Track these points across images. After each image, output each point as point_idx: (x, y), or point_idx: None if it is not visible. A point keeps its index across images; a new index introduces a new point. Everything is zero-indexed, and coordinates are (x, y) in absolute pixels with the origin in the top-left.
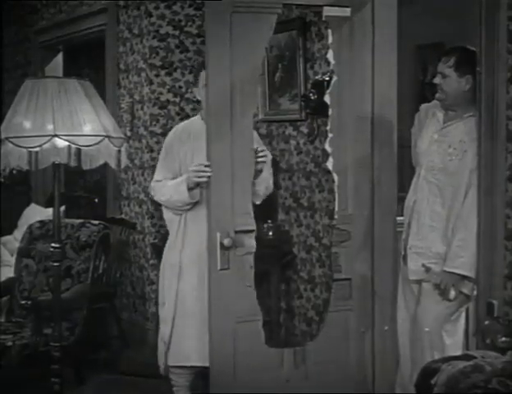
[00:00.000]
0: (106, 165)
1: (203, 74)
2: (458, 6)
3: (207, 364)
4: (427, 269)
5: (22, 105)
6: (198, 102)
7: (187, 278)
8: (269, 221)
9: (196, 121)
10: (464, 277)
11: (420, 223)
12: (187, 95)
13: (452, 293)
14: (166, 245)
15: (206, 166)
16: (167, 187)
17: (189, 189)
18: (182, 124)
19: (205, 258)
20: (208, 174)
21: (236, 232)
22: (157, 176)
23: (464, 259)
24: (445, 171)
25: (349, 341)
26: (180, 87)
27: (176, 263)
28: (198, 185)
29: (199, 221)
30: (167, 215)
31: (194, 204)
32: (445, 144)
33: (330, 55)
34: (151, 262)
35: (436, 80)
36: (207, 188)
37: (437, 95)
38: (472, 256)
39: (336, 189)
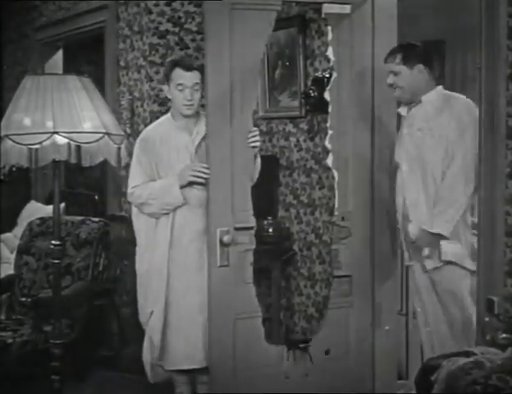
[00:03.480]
0: (106, 162)
1: (176, 72)
2: (458, 3)
3: (204, 365)
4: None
5: (22, 102)
6: (169, 100)
7: (177, 282)
8: (269, 217)
9: (166, 122)
10: (440, 237)
11: (417, 213)
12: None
13: (426, 251)
14: (141, 252)
15: (206, 168)
16: (152, 189)
17: (180, 188)
18: (152, 127)
19: (196, 258)
20: (207, 176)
21: (236, 229)
22: (133, 182)
23: (440, 222)
24: (421, 157)
25: (349, 338)
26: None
27: (163, 268)
28: (190, 183)
29: (189, 220)
30: (140, 221)
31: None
32: (414, 129)
33: (330, 52)
34: None
35: (390, 80)
36: (203, 186)
37: (395, 94)
38: (450, 221)
39: (336, 186)
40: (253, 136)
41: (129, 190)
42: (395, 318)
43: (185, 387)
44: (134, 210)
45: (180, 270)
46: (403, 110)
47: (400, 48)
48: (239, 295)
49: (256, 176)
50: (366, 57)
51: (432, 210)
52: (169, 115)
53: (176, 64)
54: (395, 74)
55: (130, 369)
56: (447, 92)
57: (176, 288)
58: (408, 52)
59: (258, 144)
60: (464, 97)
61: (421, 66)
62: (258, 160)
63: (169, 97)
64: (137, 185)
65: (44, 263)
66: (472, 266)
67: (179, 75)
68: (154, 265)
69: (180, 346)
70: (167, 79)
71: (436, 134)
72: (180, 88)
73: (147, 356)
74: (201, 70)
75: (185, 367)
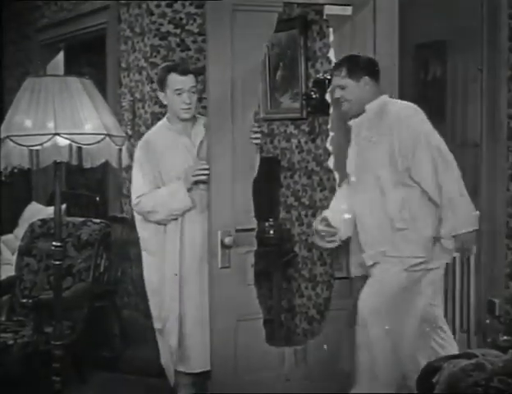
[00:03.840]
0: (107, 163)
1: (172, 77)
2: (459, 4)
3: None
4: (436, 241)
5: (23, 103)
6: (165, 106)
7: (190, 286)
8: (270, 219)
9: (164, 127)
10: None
11: (364, 218)
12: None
13: (474, 249)
14: (150, 260)
15: (203, 165)
16: (158, 196)
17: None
18: (150, 134)
19: (206, 261)
20: (207, 172)
21: (237, 231)
22: (138, 191)
23: (470, 217)
24: (367, 167)
25: (350, 340)
26: None
27: (176, 272)
28: (194, 185)
29: (198, 223)
30: (147, 229)
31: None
32: (359, 139)
33: (331, 53)
34: None
35: (337, 94)
36: (207, 187)
37: (343, 108)
38: (466, 212)
39: (337, 187)
40: (255, 132)
41: (134, 200)
42: None
43: (188, 389)
44: (138, 218)
45: (193, 273)
46: (352, 121)
47: (344, 61)
48: (240, 296)
49: (255, 171)
50: None
51: (377, 220)
52: (165, 120)
53: (170, 69)
54: (342, 88)
55: (131, 371)
56: (390, 99)
57: (190, 291)
58: (353, 65)
59: (259, 141)
60: (404, 102)
61: (367, 78)
62: (258, 156)
63: (165, 102)
64: (142, 194)
65: (45, 264)
66: None
67: (175, 80)
68: (167, 271)
69: (197, 349)
70: (162, 85)
71: (378, 142)
72: (178, 92)
73: (167, 361)
74: (195, 73)
75: (204, 369)
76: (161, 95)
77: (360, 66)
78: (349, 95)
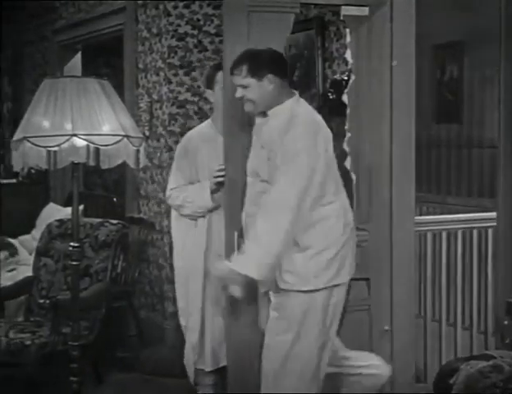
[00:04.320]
0: (124, 164)
1: (221, 75)
2: (476, 3)
3: None
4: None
5: (41, 104)
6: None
7: (212, 283)
8: None
9: (207, 127)
10: None
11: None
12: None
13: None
14: (179, 252)
15: (221, 166)
16: (188, 192)
17: (212, 192)
18: (193, 132)
19: None
20: (223, 173)
21: None
22: (171, 184)
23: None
24: (254, 173)
25: (366, 341)
26: (199, 86)
27: (200, 270)
28: (219, 186)
29: (222, 224)
30: (179, 223)
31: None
32: (258, 144)
33: (348, 54)
34: (169, 261)
35: (238, 94)
36: (224, 188)
37: (246, 108)
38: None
39: (354, 188)
40: None
41: (167, 192)
42: (412, 321)
43: (208, 389)
44: (174, 213)
45: None
46: (257, 119)
47: (244, 58)
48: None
49: None
50: (384, 59)
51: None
52: (209, 120)
53: (220, 67)
54: (244, 87)
55: (148, 371)
56: (297, 107)
57: (211, 288)
58: (254, 62)
59: None
60: (307, 115)
61: (270, 76)
62: None
63: (211, 100)
64: (174, 187)
65: (63, 264)
66: None
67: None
68: (192, 265)
69: (215, 346)
70: (211, 82)
71: (264, 153)
72: None
73: (188, 359)
74: None
75: (222, 365)
76: (208, 93)
77: (262, 63)
78: (252, 95)
